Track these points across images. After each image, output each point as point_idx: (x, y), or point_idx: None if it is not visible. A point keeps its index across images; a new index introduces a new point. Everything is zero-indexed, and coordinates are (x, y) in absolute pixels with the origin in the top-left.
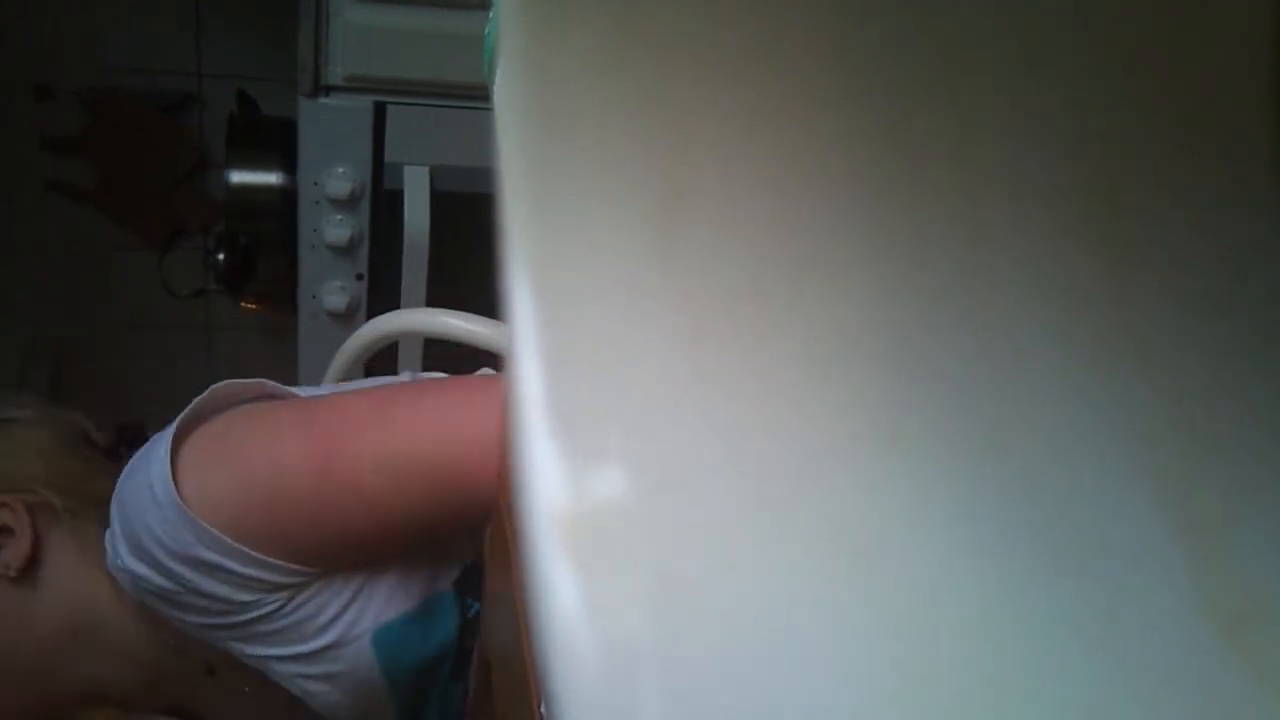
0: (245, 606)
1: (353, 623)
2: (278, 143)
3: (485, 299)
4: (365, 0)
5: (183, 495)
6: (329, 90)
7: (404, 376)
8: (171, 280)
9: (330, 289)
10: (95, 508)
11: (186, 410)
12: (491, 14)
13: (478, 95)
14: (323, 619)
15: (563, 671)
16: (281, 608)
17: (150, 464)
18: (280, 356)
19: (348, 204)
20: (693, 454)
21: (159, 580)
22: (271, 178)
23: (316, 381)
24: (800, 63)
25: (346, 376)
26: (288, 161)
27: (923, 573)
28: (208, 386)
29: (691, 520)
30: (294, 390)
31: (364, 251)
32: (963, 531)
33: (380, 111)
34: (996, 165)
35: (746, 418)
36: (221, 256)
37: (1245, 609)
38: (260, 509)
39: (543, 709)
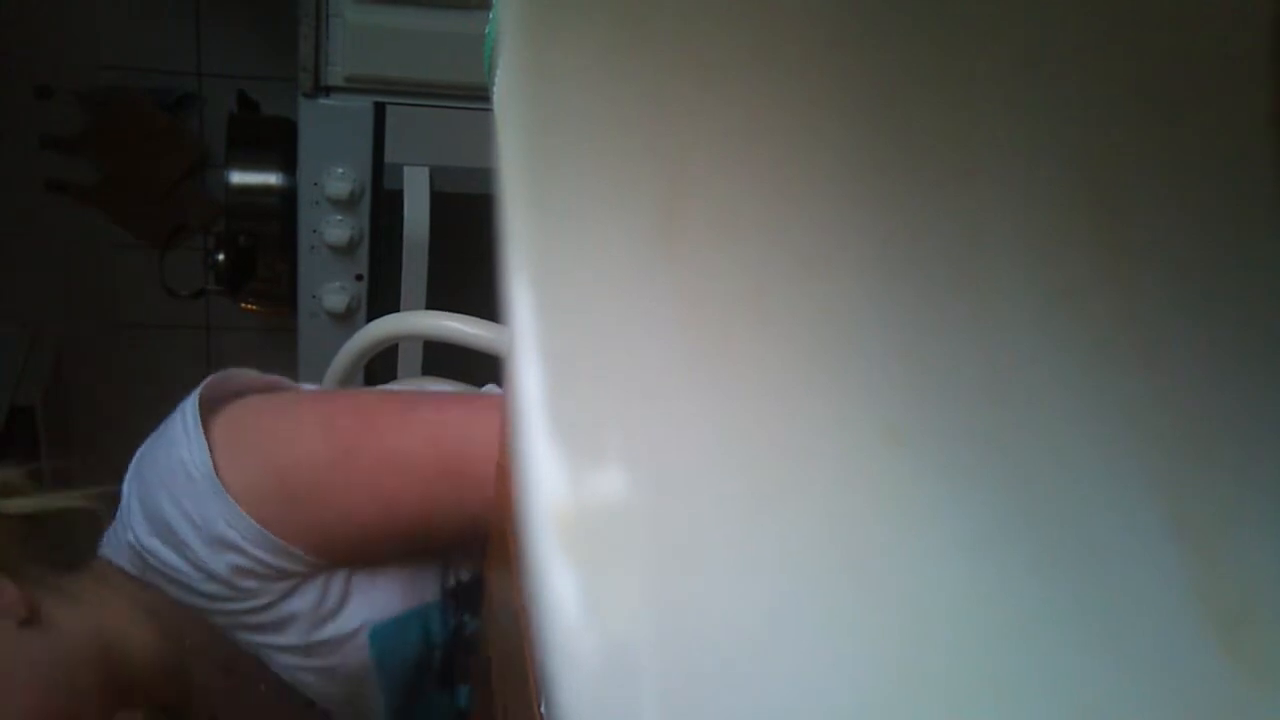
0: (244, 594)
1: (351, 617)
2: (278, 143)
3: (485, 300)
4: (365, 0)
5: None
6: (329, 90)
7: (409, 384)
8: (171, 280)
9: (330, 289)
10: (29, 551)
11: (201, 389)
12: (492, 14)
13: (478, 95)
14: (322, 611)
15: (563, 671)
16: (282, 599)
17: (178, 443)
18: (280, 357)
19: (347, 204)
20: (692, 454)
21: (171, 557)
22: (271, 178)
23: (317, 382)
24: (800, 64)
25: (346, 379)
26: (288, 162)
27: (922, 573)
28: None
29: (691, 521)
30: (305, 388)
31: (364, 252)
32: (962, 532)
33: (380, 112)
34: (996, 166)
35: (746, 418)
36: (221, 256)
37: (1243, 609)
38: (281, 494)
39: (543, 709)
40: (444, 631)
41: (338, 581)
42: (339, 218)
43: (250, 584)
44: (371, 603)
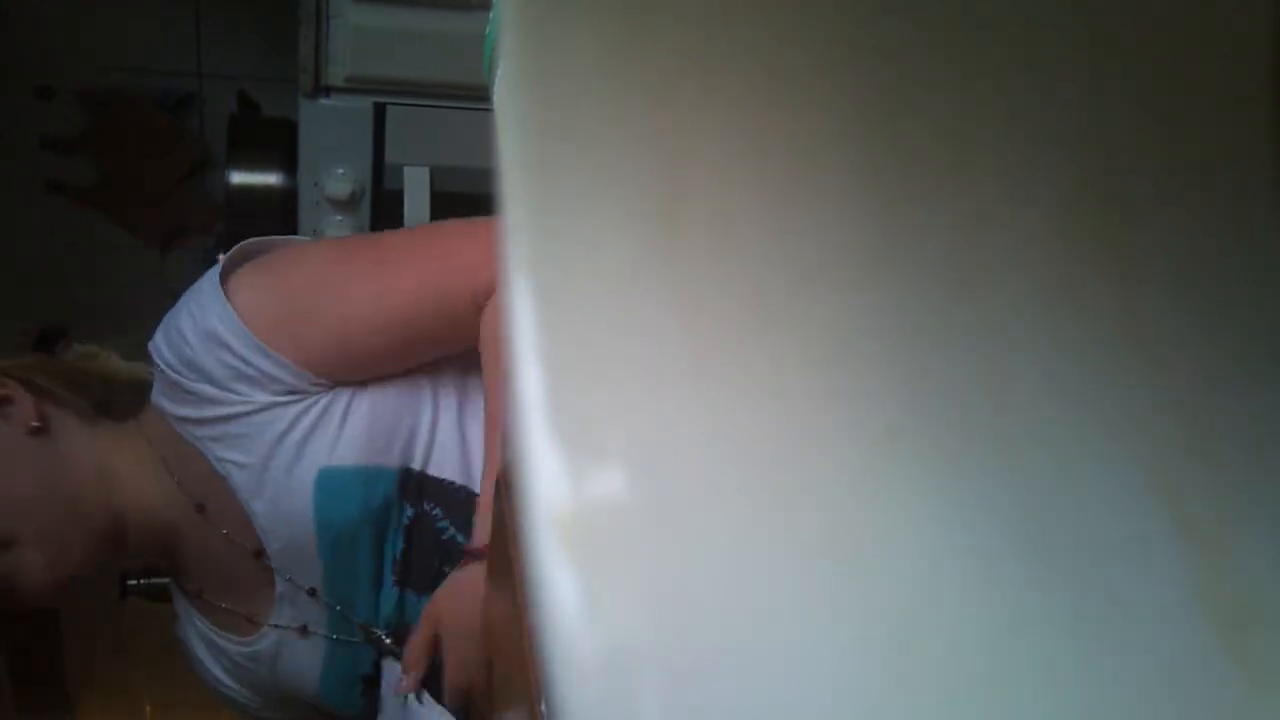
0: (228, 398)
1: (305, 450)
2: (278, 143)
3: None
4: (366, 1)
5: (224, 288)
6: (329, 91)
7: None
8: (172, 280)
9: None
10: (68, 390)
11: (234, 249)
12: (492, 14)
13: (478, 95)
14: (282, 432)
15: (563, 671)
16: (257, 411)
17: (205, 274)
18: None
19: (348, 204)
20: (692, 455)
21: (169, 355)
22: (272, 178)
23: None
24: (799, 66)
25: None
26: (288, 162)
27: (921, 574)
28: None
29: (691, 521)
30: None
31: None
32: (961, 534)
33: (380, 112)
34: (997, 169)
35: (746, 420)
36: (222, 257)
37: (1244, 612)
38: (281, 305)
39: (543, 708)
40: (395, 514)
41: (308, 417)
42: (339, 218)
43: (240, 387)
44: (330, 442)
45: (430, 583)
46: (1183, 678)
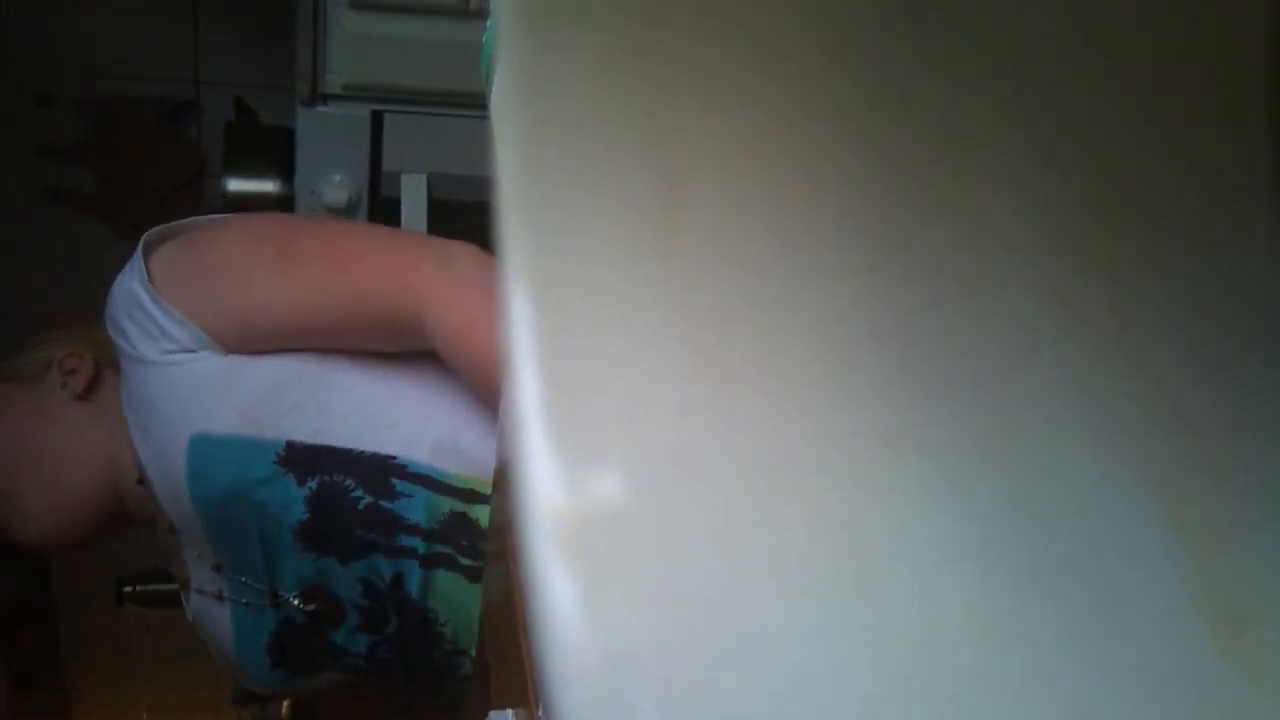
0: (133, 353)
1: (185, 413)
2: (275, 151)
3: None
4: (363, 9)
5: (147, 264)
6: (326, 98)
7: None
8: None
9: None
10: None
11: (149, 233)
12: (489, 22)
13: (476, 103)
14: (166, 393)
15: (561, 672)
16: (152, 366)
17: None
18: None
19: (345, 212)
20: (690, 457)
21: (105, 317)
22: (269, 186)
23: None
24: (794, 72)
25: None
26: (285, 170)
27: (921, 576)
28: None
29: (689, 523)
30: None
31: None
32: (962, 536)
33: (378, 119)
34: (994, 172)
35: (744, 422)
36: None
37: (1244, 613)
38: (191, 270)
39: (541, 710)
40: (281, 486)
41: (190, 379)
42: None
43: (143, 344)
44: (210, 412)
45: (356, 551)
46: (1181, 678)
